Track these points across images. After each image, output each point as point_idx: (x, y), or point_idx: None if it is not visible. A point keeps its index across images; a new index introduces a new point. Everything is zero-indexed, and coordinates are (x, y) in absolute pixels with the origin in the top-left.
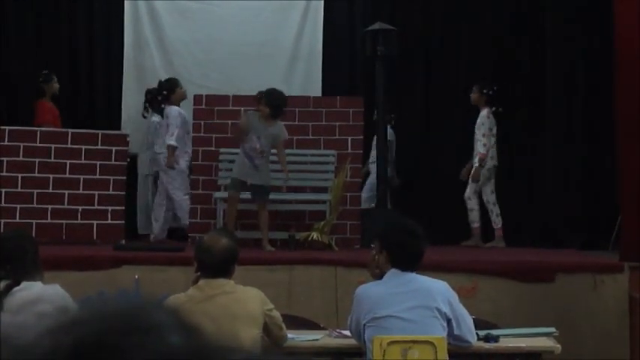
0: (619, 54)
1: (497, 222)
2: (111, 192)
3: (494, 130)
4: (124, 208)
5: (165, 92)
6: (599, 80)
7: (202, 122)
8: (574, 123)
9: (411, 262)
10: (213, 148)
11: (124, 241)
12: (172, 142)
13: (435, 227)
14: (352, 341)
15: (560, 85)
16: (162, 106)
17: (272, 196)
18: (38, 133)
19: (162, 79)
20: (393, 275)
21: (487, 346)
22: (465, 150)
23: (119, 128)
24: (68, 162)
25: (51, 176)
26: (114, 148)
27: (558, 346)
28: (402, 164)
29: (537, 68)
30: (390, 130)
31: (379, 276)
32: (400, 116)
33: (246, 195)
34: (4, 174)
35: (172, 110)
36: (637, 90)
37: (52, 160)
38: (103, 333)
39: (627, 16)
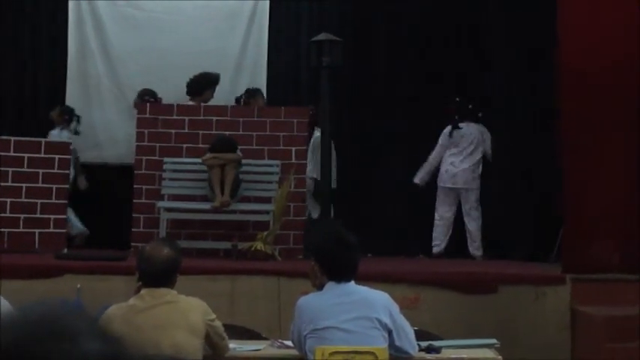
0: (563, 72)
1: None
2: (53, 200)
3: None
4: (65, 216)
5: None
6: (543, 94)
7: (146, 131)
8: (518, 135)
9: (344, 274)
10: (156, 158)
11: (65, 250)
12: None
13: (378, 238)
14: (294, 351)
15: (504, 98)
16: None
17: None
18: None
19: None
20: (332, 286)
21: (429, 357)
22: (412, 159)
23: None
24: (11, 170)
25: None
26: (57, 157)
27: (499, 357)
28: (345, 174)
29: (482, 79)
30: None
31: (320, 287)
32: (343, 127)
33: (191, 204)
34: None
35: None
36: (581, 105)
37: None
38: (21, 339)
39: (572, 40)
